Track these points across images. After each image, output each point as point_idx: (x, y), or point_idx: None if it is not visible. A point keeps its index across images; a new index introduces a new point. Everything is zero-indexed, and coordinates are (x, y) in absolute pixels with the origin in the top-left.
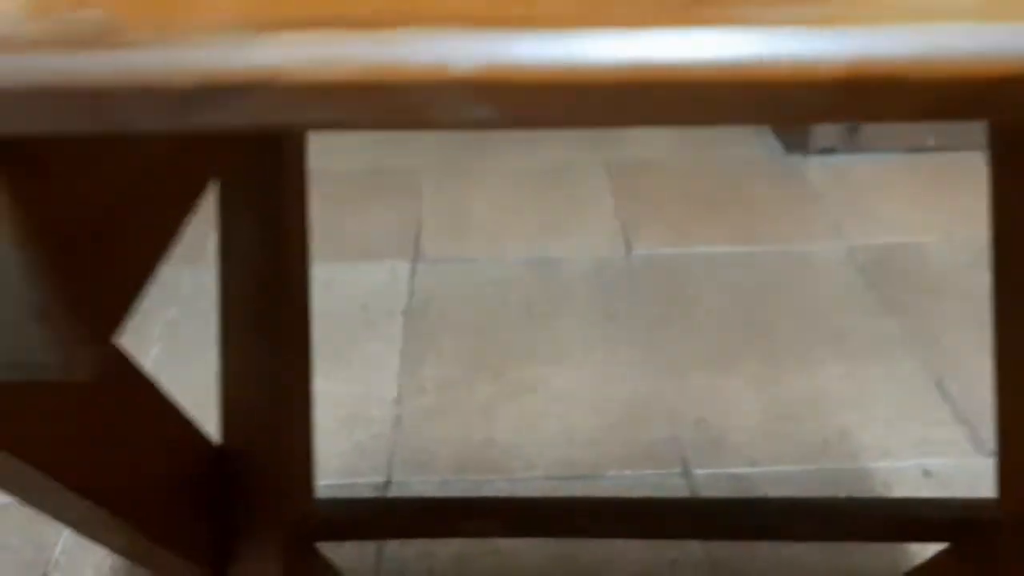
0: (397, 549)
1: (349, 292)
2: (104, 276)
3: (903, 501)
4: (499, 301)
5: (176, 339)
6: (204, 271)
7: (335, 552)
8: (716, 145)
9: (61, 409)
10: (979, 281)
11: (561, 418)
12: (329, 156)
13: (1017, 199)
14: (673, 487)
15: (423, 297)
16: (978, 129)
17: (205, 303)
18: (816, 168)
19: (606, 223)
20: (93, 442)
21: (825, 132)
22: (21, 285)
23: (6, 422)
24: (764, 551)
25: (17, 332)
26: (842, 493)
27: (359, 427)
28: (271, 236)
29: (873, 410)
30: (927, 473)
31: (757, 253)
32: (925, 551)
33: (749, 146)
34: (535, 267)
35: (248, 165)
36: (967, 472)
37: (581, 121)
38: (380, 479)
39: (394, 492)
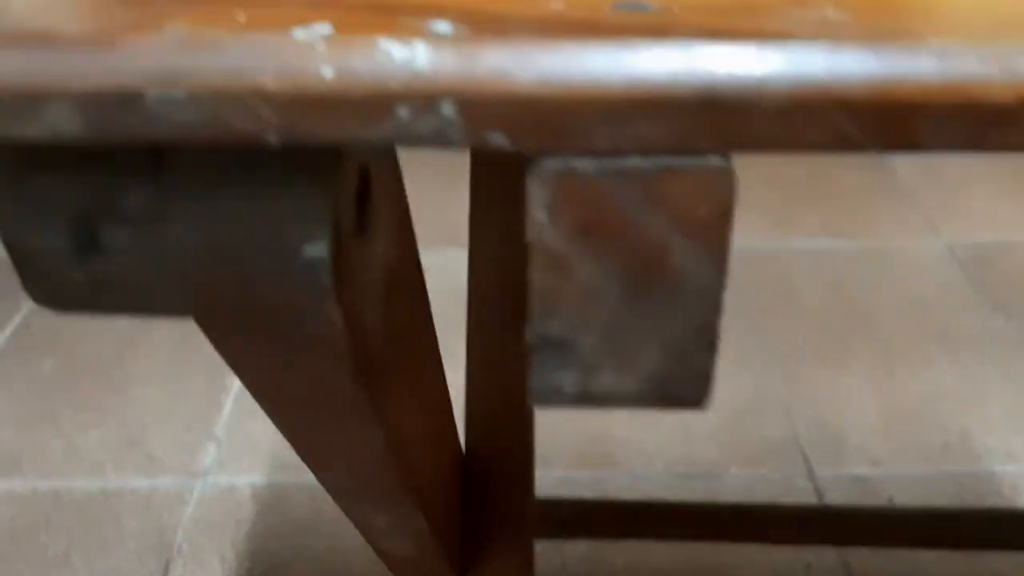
0: None
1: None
2: None
3: None
4: None
5: None
6: None
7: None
8: None
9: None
10: None
11: (674, 416)
12: None
13: None
14: (797, 488)
15: None
16: None
17: None
18: (904, 160)
19: None
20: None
21: None
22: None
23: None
24: (900, 557)
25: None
26: (968, 497)
27: None
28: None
29: (992, 410)
30: None
31: (853, 247)
32: None
33: None
34: None
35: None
36: None
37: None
38: None
39: None
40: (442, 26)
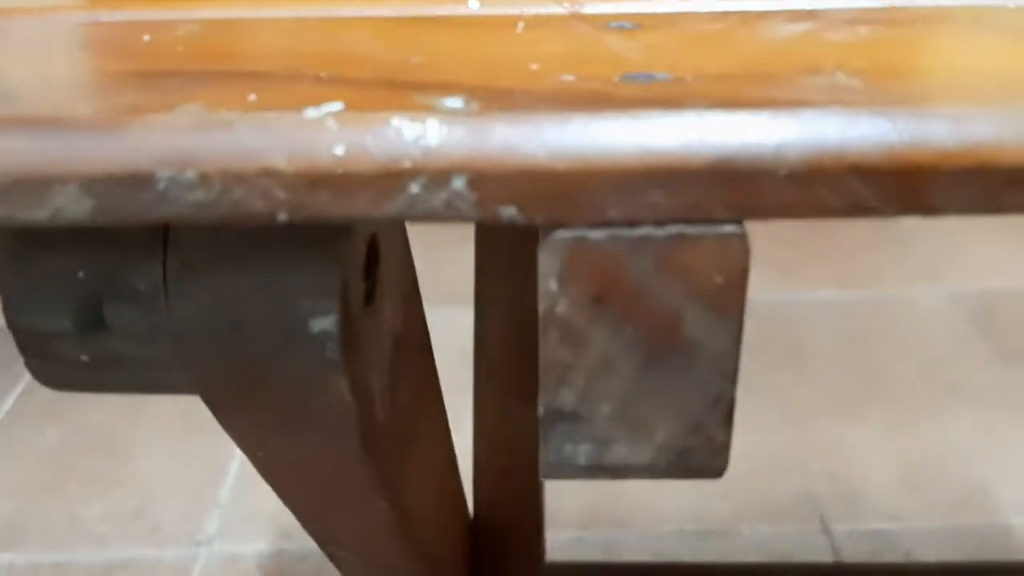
0: None
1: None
2: None
3: None
4: None
5: None
6: None
7: None
8: None
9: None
10: None
11: None
12: None
13: None
14: (813, 544)
15: None
16: None
17: None
18: None
19: None
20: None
21: None
22: None
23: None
24: None
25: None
26: (990, 550)
27: None
28: (528, 301)
29: (1009, 462)
30: None
31: (860, 298)
32: None
33: None
34: None
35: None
36: None
37: None
38: None
39: None
40: (453, 102)
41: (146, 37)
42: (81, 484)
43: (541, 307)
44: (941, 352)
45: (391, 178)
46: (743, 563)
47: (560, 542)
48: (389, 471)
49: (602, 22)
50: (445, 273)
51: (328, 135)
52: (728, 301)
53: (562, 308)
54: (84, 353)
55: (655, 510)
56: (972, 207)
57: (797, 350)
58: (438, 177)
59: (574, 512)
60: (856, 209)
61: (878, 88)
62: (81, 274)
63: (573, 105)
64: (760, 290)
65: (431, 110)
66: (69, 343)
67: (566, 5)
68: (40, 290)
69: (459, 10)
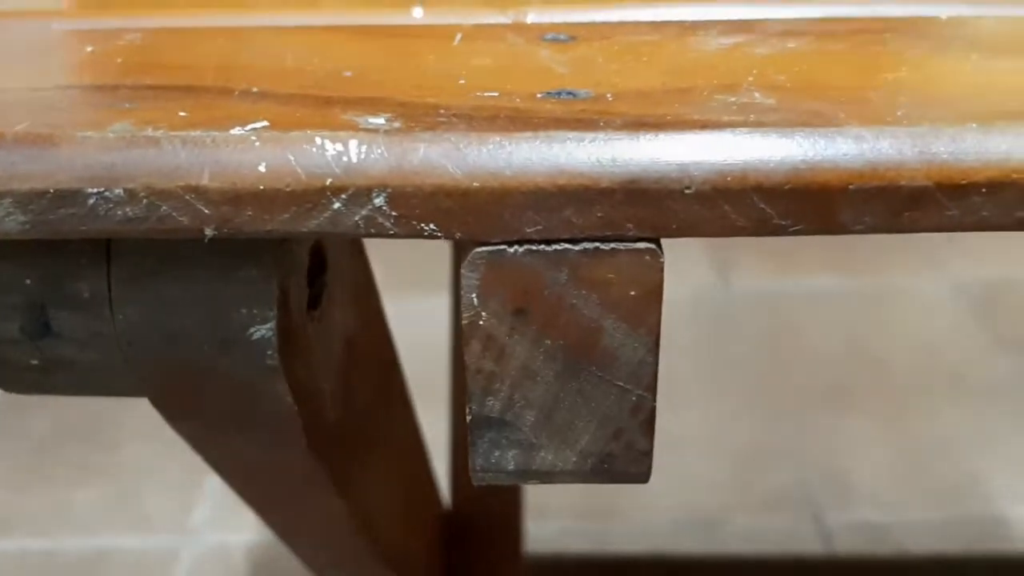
0: None
1: None
2: None
3: None
4: None
5: None
6: None
7: None
8: None
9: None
10: None
11: (677, 463)
12: None
13: None
14: (804, 535)
15: None
16: None
17: None
18: None
19: (697, 255)
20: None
21: None
22: None
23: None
24: None
25: None
26: (982, 541)
27: None
28: None
29: (1006, 453)
30: None
31: (857, 286)
32: None
33: None
34: None
35: None
36: None
37: None
38: None
39: None
40: (376, 119)
41: (89, 48)
42: (69, 472)
43: (464, 318)
44: (941, 341)
45: (313, 195)
46: (734, 554)
47: (548, 533)
48: (343, 470)
49: (538, 33)
50: (428, 258)
51: (252, 152)
52: (643, 314)
53: (483, 320)
54: (34, 358)
55: (646, 501)
56: (877, 226)
57: (792, 338)
58: (358, 194)
59: (562, 503)
60: (763, 227)
61: (791, 107)
62: (28, 281)
63: (492, 123)
64: (757, 277)
65: (354, 128)
66: (18, 348)
67: (510, 14)
68: None
69: (402, 19)
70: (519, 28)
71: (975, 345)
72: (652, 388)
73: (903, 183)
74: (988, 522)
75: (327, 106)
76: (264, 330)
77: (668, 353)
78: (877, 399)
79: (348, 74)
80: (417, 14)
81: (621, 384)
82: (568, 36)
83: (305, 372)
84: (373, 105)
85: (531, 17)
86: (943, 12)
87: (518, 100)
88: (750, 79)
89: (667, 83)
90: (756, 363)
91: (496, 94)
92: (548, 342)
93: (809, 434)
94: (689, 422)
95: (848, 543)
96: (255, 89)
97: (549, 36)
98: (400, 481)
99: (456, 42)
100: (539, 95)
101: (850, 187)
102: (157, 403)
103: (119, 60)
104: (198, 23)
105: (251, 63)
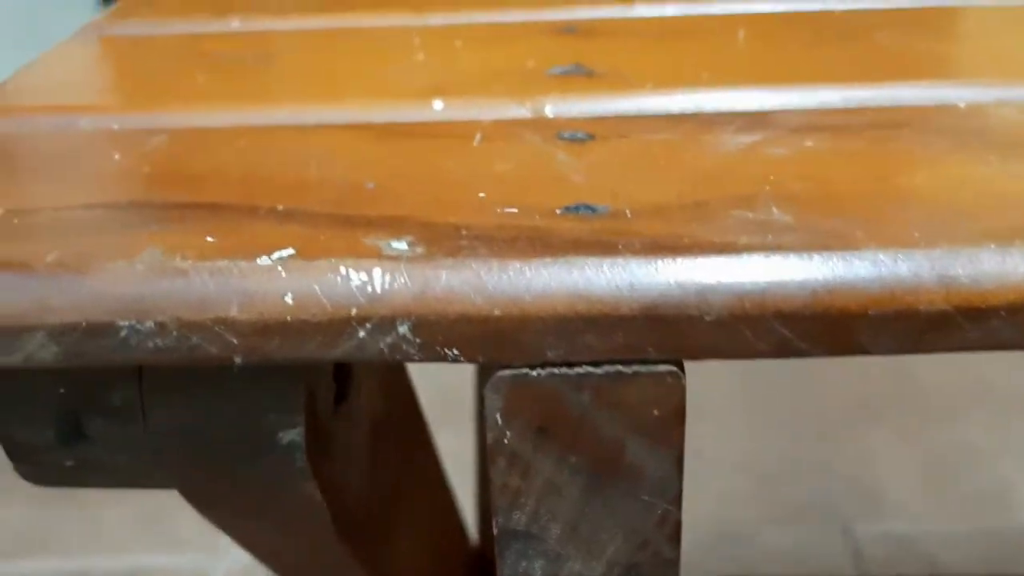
0: None
1: None
2: None
3: None
4: None
5: None
6: None
7: None
8: None
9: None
10: None
11: (705, 477)
12: None
13: None
14: (834, 547)
15: None
16: None
17: None
18: None
19: None
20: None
21: None
22: None
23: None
24: None
25: None
26: (1012, 551)
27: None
28: None
29: None
30: None
31: None
32: None
33: None
34: None
35: None
36: None
37: None
38: None
39: None
40: (399, 244)
41: (116, 156)
42: (100, 491)
43: (488, 438)
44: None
45: (339, 324)
46: (762, 569)
47: None
48: (371, 549)
49: (556, 130)
50: None
51: (279, 283)
52: (667, 432)
53: (508, 439)
54: (68, 459)
55: None
56: (896, 349)
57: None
58: (383, 323)
59: None
60: (784, 351)
61: (808, 225)
62: (62, 390)
63: (512, 246)
64: None
65: (377, 255)
66: (53, 452)
67: (528, 106)
68: (23, 405)
69: (422, 114)
70: (537, 125)
71: (1003, 355)
72: (677, 501)
73: (921, 308)
74: (1018, 532)
75: (351, 227)
76: (293, 434)
77: (697, 366)
78: (905, 410)
79: (370, 186)
80: (437, 107)
81: (646, 498)
82: (585, 134)
83: (332, 466)
84: (395, 226)
85: (548, 109)
86: (962, 98)
87: (537, 217)
88: (767, 188)
89: (684, 195)
90: (784, 375)
91: (515, 210)
92: (572, 459)
93: (837, 446)
94: (716, 435)
95: (877, 555)
96: (280, 207)
97: (567, 134)
98: (429, 535)
99: (476, 143)
100: (558, 211)
101: (869, 312)
102: (187, 494)
103: (146, 170)
104: (222, 122)
105: (274, 174)
